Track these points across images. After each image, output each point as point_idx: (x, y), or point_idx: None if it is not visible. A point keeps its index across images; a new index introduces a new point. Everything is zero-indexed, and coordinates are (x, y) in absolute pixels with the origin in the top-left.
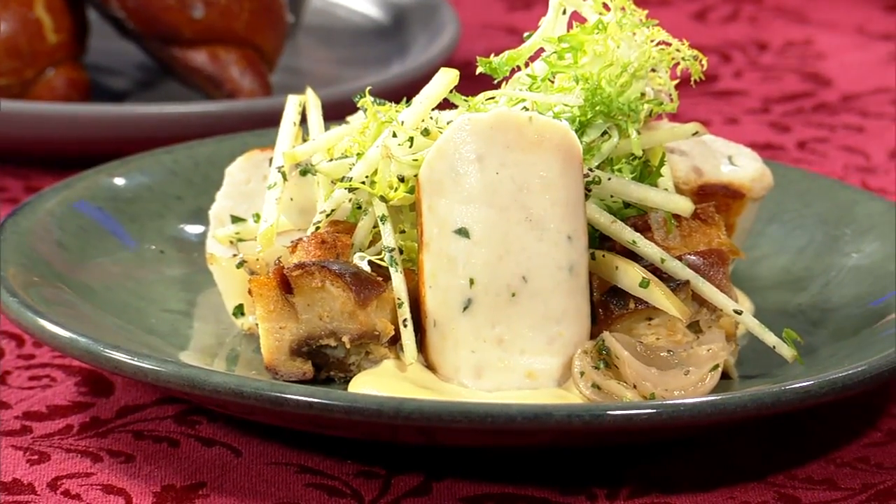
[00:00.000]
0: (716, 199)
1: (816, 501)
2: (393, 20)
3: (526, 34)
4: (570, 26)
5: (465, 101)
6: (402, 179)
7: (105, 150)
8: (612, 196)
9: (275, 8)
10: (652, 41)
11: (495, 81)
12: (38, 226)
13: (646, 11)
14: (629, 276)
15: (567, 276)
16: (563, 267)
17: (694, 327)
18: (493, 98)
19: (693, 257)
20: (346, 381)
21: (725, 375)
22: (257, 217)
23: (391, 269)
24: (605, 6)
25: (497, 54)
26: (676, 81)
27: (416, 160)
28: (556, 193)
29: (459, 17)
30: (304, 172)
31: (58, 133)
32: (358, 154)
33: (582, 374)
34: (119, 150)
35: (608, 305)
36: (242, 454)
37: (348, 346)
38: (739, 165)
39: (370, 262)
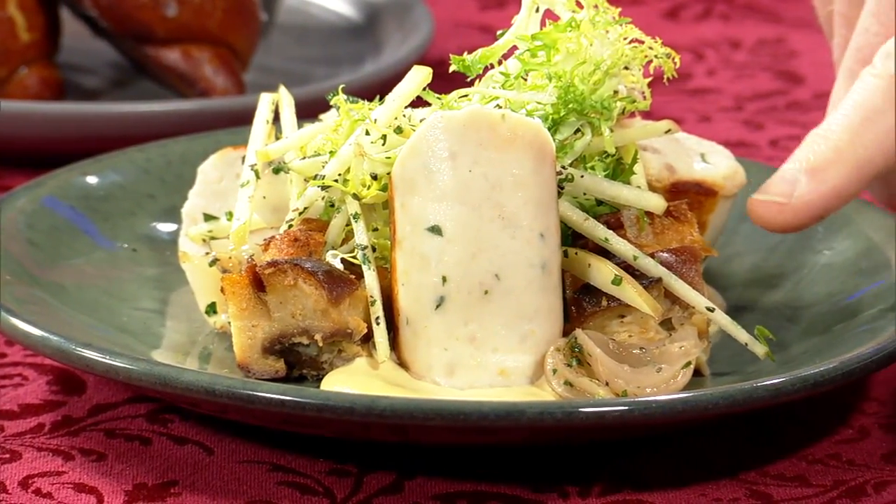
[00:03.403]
0: (688, 196)
1: (788, 498)
2: (366, 19)
3: (499, 32)
4: (543, 24)
5: (439, 98)
6: (374, 177)
7: (78, 149)
8: (584, 194)
9: (248, 6)
10: (625, 39)
11: (468, 79)
12: (9, 224)
13: (619, 9)
14: (602, 273)
15: (539, 273)
16: (536, 265)
17: (666, 325)
18: (466, 96)
19: (665, 255)
20: (319, 380)
21: (697, 373)
22: (230, 215)
23: (364, 267)
24: (578, 4)
25: (470, 52)
26: (649, 79)
27: (389, 158)
28: (528, 191)
29: (433, 16)
30: (276, 170)
31: (30, 132)
32: (331, 152)
33: (554, 371)
34: (92, 149)
35: (581, 303)
36: (214, 452)
37: (321, 344)
38: (712, 163)
39: (343, 260)
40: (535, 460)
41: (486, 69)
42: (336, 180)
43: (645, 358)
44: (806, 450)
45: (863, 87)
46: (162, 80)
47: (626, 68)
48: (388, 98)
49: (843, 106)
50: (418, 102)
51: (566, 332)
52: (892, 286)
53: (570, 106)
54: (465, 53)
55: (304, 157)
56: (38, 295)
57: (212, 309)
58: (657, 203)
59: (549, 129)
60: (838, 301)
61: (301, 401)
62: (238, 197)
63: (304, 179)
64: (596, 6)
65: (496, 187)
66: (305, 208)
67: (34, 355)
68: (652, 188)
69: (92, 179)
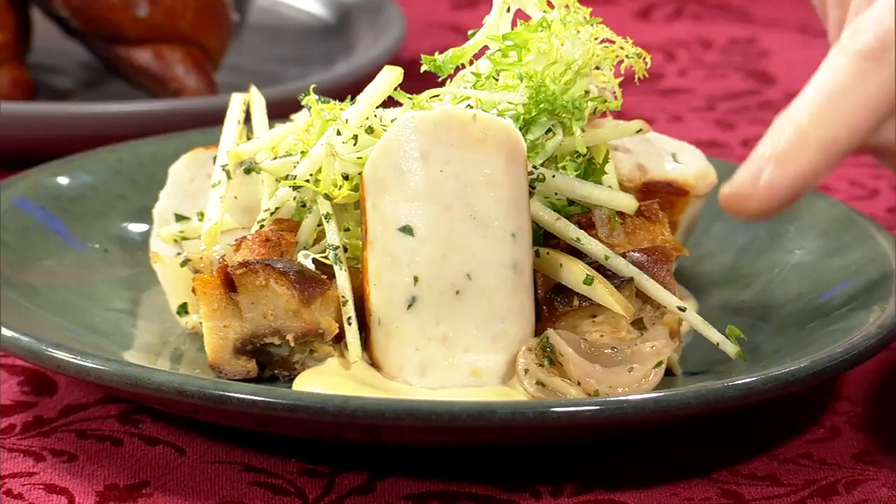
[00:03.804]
0: (660, 196)
1: (759, 497)
2: (338, 19)
3: (470, 32)
4: (514, 24)
5: (410, 98)
6: (346, 177)
7: (49, 149)
8: (556, 193)
9: (219, 6)
10: (596, 39)
11: (440, 79)
12: None
13: (590, 9)
14: (573, 273)
15: (511, 273)
16: (508, 265)
17: (638, 324)
18: (437, 96)
19: (637, 254)
20: (291, 380)
21: (669, 372)
22: (201, 216)
23: (335, 267)
24: (550, 4)
25: (442, 52)
26: (620, 79)
27: (361, 158)
28: (500, 191)
29: (404, 16)
30: (248, 171)
31: (1, 132)
32: (302, 152)
33: (526, 371)
34: (63, 149)
35: (552, 303)
36: (186, 453)
37: (292, 344)
38: (683, 163)
39: (314, 261)
40: (508, 460)
41: (457, 69)
42: (307, 180)
43: (616, 357)
44: (777, 449)
45: (828, 67)
46: (133, 81)
47: (598, 68)
48: (359, 98)
49: (808, 88)
50: (390, 102)
51: (538, 332)
52: (862, 286)
53: (542, 106)
54: (437, 53)
55: (275, 158)
56: (8, 296)
57: (183, 309)
58: (628, 203)
59: (520, 128)
60: (809, 300)
61: (272, 401)
62: (209, 197)
63: (276, 180)
64: (567, 6)
65: (467, 187)
66: (277, 208)
67: (5, 356)
68: (623, 188)
69: (63, 180)
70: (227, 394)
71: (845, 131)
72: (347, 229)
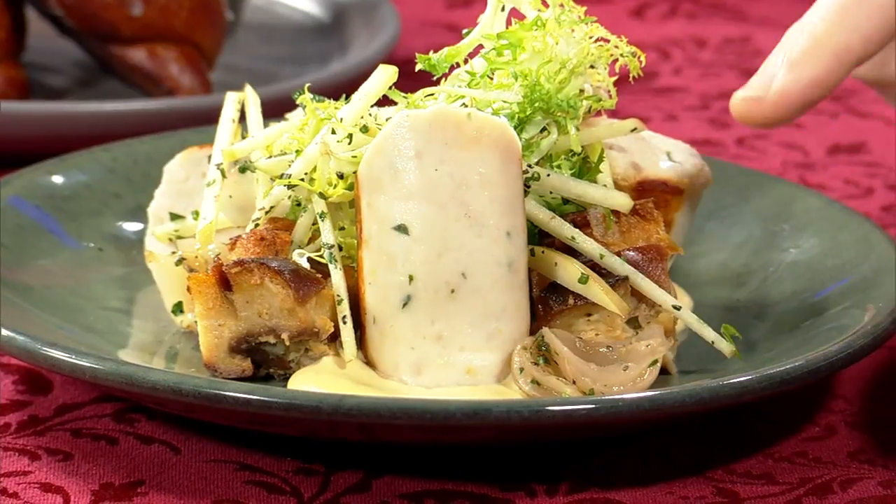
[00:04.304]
0: (654, 195)
1: (755, 496)
2: (333, 17)
3: (465, 31)
4: (508, 23)
5: (404, 97)
6: (341, 176)
7: (43, 148)
8: (551, 192)
9: (214, 5)
10: (591, 38)
11: (434, 78)
12: None
13: (584, 8)
14: (568, 272)
15: (506, 272)
16: (503, 263)
17: (633, 323)
18: (432, 95)
19: (632, 253)
20: (286, 379)
21: (664, 371)
22: (196, 214)
23: (330, 266)
24: (544, 3)
25: (436, 51)
26: (615, 78)
27: (355, 157)
28: (495, 190)
29: (399, 15)
30: (243, 170)
31: None
32: (297, 151)
33: (521, 370)
34: (58, 148)
35: (547, 301)
36: (181, 452)
37: (287, 343)
38: (678, 161)
39: (309, 259)
40: (503, 459)
41: (452, 68)
42: (302, 179)
43: (612, 356)
44: (772, 448)
45: None
46: (128, 80)
47: (592, 67)
48: (354, 97)
49: None
50: (384, 101)
51: (533, 331)
52: (857, 284)
53: (536, 105)
54: (431, 52)
55: (270, 156)
56: (3, 295)
57: (178, 308)
58: (623, 201)
59: (515, 127)
60: (805, 299)
61: (268, 400)
62: (204, 196)
63: (271, 178)
64: (562, 5)
65: (462, 186)
66: (272, 207)
67: (0, 355)
68: (618, 187)
69: (58, 179)
70: (222, 393)
71: (858, 39)
72: (342, 228)
